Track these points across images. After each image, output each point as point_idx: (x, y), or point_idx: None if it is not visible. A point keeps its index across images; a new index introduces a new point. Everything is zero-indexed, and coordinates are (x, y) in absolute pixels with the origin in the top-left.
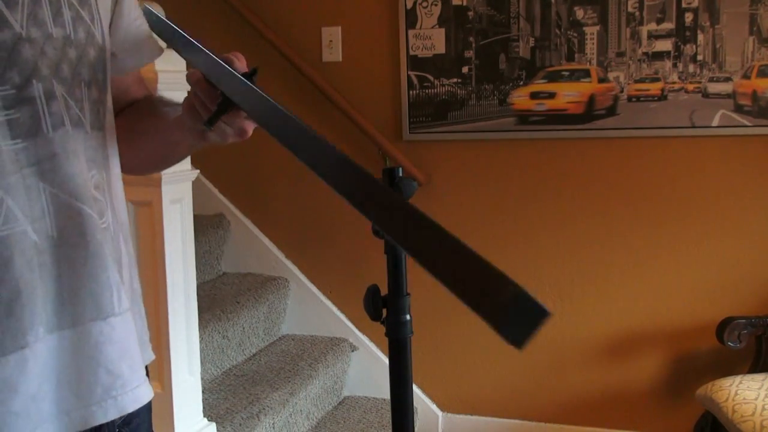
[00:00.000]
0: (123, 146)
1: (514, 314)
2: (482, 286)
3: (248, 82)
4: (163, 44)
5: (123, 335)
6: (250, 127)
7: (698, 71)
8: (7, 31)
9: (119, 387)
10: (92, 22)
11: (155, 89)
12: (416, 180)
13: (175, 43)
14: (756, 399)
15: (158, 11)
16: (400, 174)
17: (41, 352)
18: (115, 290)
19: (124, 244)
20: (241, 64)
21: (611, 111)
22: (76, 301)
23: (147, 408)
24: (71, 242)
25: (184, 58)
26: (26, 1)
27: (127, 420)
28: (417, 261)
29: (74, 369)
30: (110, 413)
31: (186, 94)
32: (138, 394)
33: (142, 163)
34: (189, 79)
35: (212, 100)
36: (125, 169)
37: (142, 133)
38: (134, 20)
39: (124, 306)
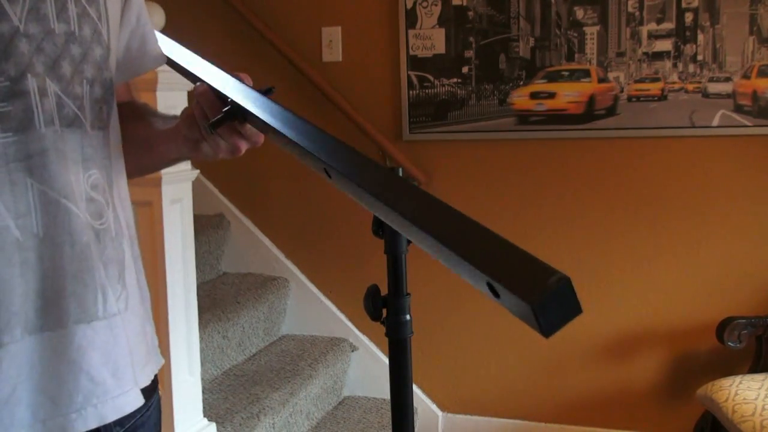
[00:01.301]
0: None
1: (555, 301)
2: (528, 269)
3: (265, 97)
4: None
5: (108, 340)
6: (244, 146)
7: (698, 71)
8: (4, 24)
9: (101, 394)
10: (99, 19)
11: (154, 90)
12: (416, 180)
13: (180, 58)
14: (756, 399)
15: (158, 12)
16: (401, 174)
17: (17, 354)
18: (100, 293)
19: (129, 246)
20: (249, 83)
21: (611, 111)
22: (60, 303)
23: (155, 409)
24: (57, 241)
25: (189, 75)
26: None
27: (121, 422)
28: (456, 253)
29: (54, 374)
30: (90, 422)
31: (185, 95)
32: (120, 402)
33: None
34: (195, 90)
35: (215, 111)
36: None
37: (126, 139)
38: (143, 26)
39: (110, 310)
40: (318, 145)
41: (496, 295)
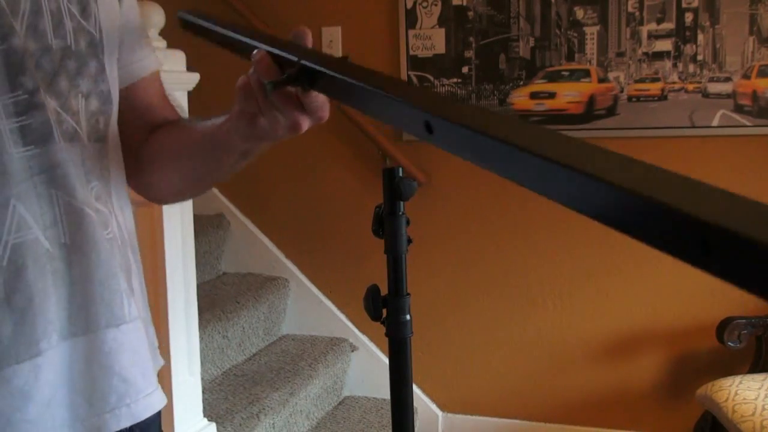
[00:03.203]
0: (156, 174)
1: None
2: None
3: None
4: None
5: (135, 342)
6: (305, 123)
7: (698, 71)
8: (15, 38)
9: (133, 394)
10: (95, 30)
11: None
12: (416, 180)
13: (229, 30)
14: (756, 399)
15: (158, 12)
16: (401, 174)
17: (55, 360)
18: (125, 297)
19: (132, 254)
20: (309, 42)
21: (611, 111)
22: (89, 308)
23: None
24: (84, 249)
25: (240, 44)
26: (27, 12)
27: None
28: None
29: (88, 376)
30: (123, 421)
31: (185, 95)
32: (151, 401)
33: (177, 188)
34: (253, 57)
35: (275, 77)
36: (159, 198)
37: (177, 153)
38: (133, 31)
39: (134, 314)
40: (415, 95)
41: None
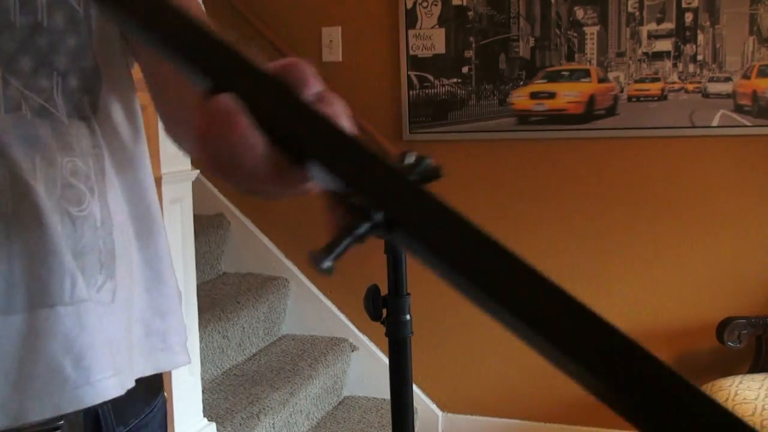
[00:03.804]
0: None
1: None
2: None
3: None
4: None
5: (72, 328)
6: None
7: (698, 71)
8: None
9: (59, 383)
10: (77, 3)
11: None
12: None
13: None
14: (756, 399)
15: None
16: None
17: None
18: (68, 279)
19: (127, 239)
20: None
21: (611, 111)
22: (26, 285)
23: (159, 410)
24: (25, 222)
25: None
26: None
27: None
28: None
29: (14, 358)
30: (46, 411)
31: None
32: (79, 394)
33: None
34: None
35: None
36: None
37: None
38: None
39: (80, 296)
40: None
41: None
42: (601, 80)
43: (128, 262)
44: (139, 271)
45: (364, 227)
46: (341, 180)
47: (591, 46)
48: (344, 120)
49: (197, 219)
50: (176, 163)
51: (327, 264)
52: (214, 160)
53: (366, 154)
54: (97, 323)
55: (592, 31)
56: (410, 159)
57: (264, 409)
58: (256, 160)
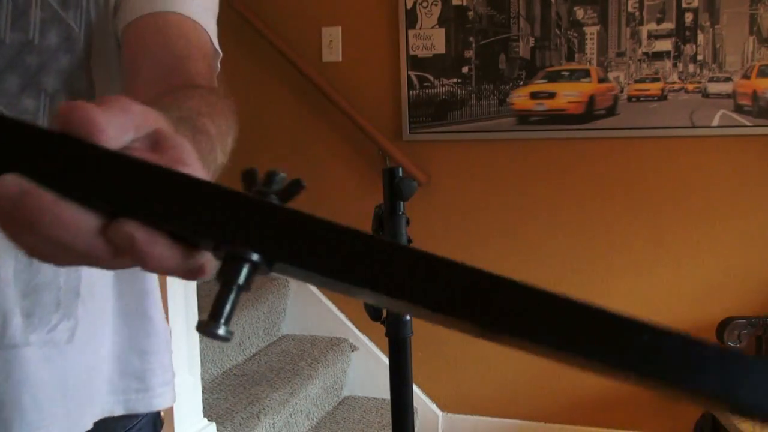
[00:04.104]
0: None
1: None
2: None
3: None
4: None
5: (19, 373)
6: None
7: (698, 71)
8: None
9: (8, 424)
10: (77, 23)
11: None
12: (416, 180)
13: None
14: None
15: None
16: (401, 174)
17: None
18: (10, 318)
19: (94, 272)
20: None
21: (611, 111)
22: None
23: (146, 423)
24: None
25: None
26: None
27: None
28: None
29: None
30: None
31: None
32: None
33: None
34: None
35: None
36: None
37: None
38: None
39: (12, 341)
40: None
41: None
42: (601, 80)
43: (101, 299)
44: (116, 308)
45: (243, 273)
46: (192, 234)
47: (591, 46)
48: (185, 160)
49: None
50: None
51: (222, 331)
52: (42, 257)
53: (205, 193)
54: (36, 368)
55: (592, 31)
56: (274, 179)
57: (264, 409)
58: (88, 237)
